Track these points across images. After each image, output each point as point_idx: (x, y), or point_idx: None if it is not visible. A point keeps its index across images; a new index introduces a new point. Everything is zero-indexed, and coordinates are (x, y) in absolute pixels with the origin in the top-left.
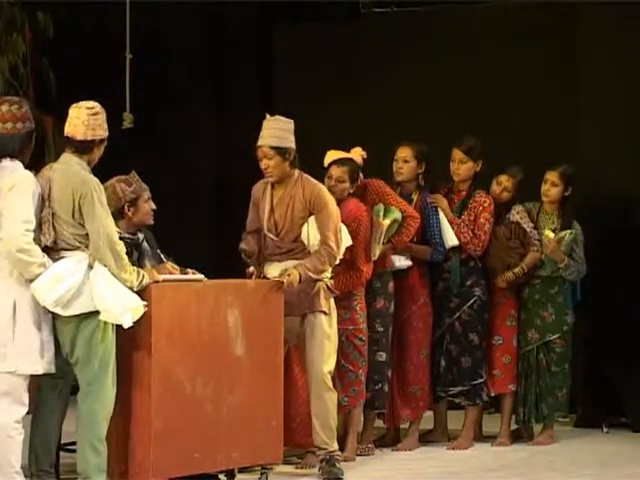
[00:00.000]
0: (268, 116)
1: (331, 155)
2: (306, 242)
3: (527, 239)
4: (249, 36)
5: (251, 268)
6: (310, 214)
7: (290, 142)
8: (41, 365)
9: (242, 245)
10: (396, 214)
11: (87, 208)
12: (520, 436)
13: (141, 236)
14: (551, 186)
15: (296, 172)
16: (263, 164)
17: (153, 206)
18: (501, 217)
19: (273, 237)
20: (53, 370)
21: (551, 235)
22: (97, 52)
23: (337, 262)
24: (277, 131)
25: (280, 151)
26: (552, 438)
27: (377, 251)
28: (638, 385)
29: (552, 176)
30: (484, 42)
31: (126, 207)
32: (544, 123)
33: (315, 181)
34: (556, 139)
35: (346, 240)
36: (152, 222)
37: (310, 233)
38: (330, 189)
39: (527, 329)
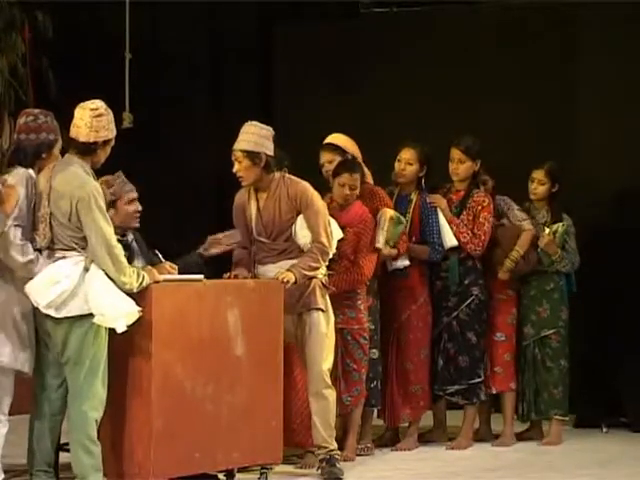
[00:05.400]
0: (248, 122)
1: (336, 138)
2: (296, 240)
3: (509, 214)
4: (249, 36)
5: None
6: (298, 213)
7: (264, 148)
8: (5, 357)
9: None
10: (402, 227)
11: (84, 212)
12: (530, 437)
13: (130, 237)
14: (538, 184)
15: (277, 174)
16: (235, 168)
17: (139, 207)
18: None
19: (265, 240)
20: (26, 369)
21: (545, 230)
22: (97, 52)
23: (330, 256)
24: (250, 135)
25: (249, 155)
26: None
27: (381, 238)
28: (638, 385)
29: (538, 174)
30: (484, 42)
31: None
32: (544, 123)
33: (298, 179)
34: (556, 139)
35: (337, 233)
36: (137, 225)
37: (298, 232)
38: (344, 196)
39: (523, 325)
